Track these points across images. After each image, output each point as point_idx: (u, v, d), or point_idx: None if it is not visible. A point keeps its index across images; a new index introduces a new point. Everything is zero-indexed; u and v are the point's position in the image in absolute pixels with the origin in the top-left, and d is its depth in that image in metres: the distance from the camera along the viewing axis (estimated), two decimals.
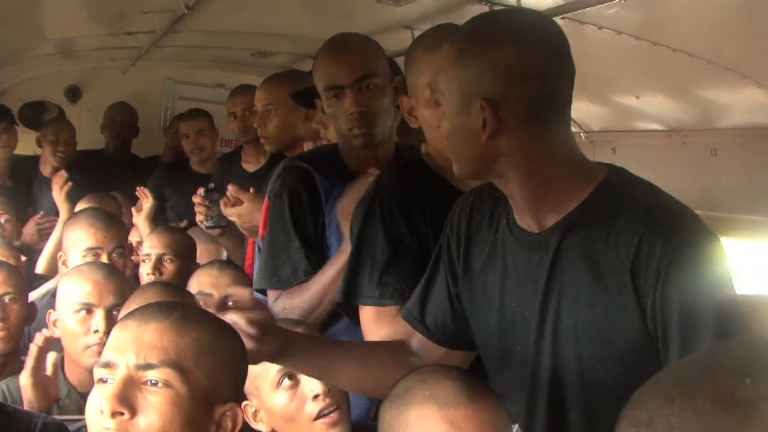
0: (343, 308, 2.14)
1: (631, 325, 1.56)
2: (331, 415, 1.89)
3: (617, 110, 3.49)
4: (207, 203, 3.15)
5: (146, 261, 3.19)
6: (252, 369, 1.81)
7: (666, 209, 1.59)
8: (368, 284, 2.07)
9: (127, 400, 1.36)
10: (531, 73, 1.59)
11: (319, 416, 1.88)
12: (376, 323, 2.07)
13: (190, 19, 3.57)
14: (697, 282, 1.51)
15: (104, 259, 2.90)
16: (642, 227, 1.54)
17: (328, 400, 1.89)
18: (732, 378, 0.74)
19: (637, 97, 3.27)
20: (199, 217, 3.25)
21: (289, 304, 2.33)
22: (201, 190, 3.22)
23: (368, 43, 2.45)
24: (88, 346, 2.36)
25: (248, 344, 1.62)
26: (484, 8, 2.88)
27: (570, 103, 1.65)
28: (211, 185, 3.31)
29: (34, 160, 4.93)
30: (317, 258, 2.36)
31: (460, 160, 1.68)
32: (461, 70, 1.63)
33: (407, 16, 3.13)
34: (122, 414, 1.36)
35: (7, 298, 2.50)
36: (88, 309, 2.39)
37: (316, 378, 1.88)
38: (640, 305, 1.54)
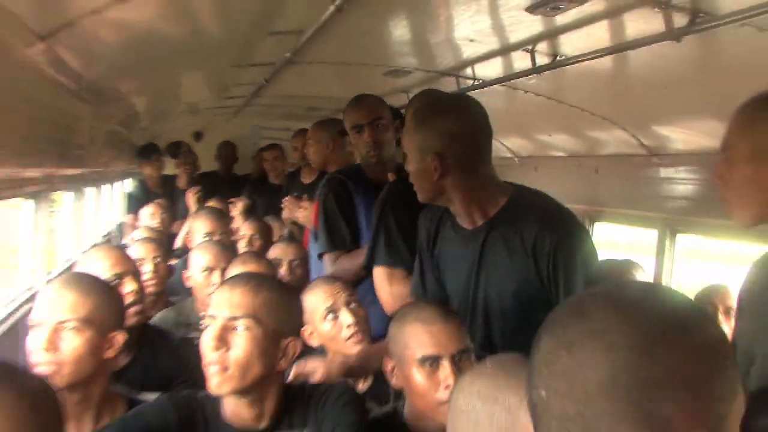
0: (367, 270, 2.13)
1: (534, 286, 1.60)
2: (357, 335, 1.88)
3: (538, 143, 3.48)
4: (293, 205, 3.03)
5: (242, 239, 3.15)
6: (308, 305, 1.85)
7: (553, 213, 1.62)
8: (383, 252, 2.05)
9: (223, 340, 1.34)
10: (463, 135, 1.60)
11: (350, 337, 1.88)
12: (388, 280, 2.04)
13: (267, 88, 3.58)
14: (573, 261, 1.56)
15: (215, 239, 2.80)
16: (537, 225, 1.58)
17: (356, 327, 1.88)
18: (565, 319, 0.69)
19: (550, 135, 3.29)
20: (286, 214, 3.11)
21: (348, 264, 2.26)
22: (290, 197, 3.09)
23: (377, 99, 2.42)
24: (210, 294, 2.25)
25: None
26: (452, 80, 2.84)
27: (490, 152, 1.66)
28: (296, 194, 3.17)
29: (173, 178, 4.85)
30: (355, 234, 2.35)
31: (421, 192, 1.68)
32: (418, 134, 1.64)
33: (403, 85, 3.12)
34: (219, 348, 1.34)
35: (158, 260, 2.44)
36: (210, 270, 2.39)
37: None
38: (540, 275, 1.58)
